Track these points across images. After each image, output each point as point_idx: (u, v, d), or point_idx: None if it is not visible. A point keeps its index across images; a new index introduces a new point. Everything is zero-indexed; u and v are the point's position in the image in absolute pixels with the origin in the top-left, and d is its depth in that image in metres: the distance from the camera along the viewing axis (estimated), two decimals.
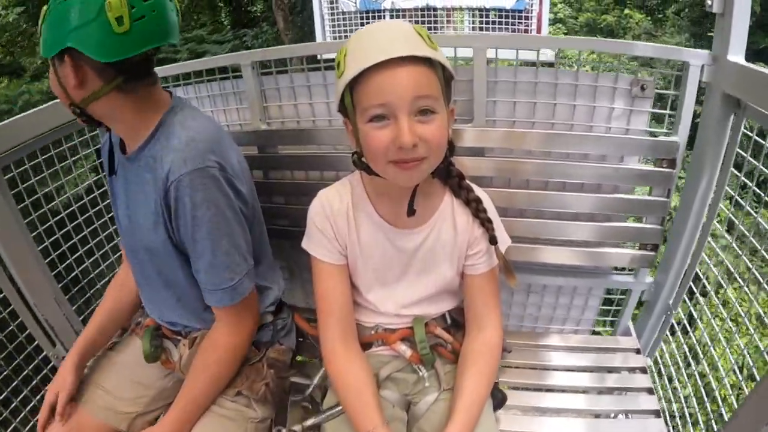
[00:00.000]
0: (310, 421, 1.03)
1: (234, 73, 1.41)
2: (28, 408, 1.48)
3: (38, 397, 1.50)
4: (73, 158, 1.57)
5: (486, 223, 0.95)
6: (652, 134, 1.23)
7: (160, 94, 1.01)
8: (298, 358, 1.33)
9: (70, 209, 1.57)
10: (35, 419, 1.23)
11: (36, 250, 1.42)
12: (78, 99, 0.94)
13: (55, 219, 1.54)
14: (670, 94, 1.18)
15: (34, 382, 1.49)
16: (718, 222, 1.24)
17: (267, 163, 1.46)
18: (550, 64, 1.24)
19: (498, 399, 1.07)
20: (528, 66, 1.20)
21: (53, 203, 1.54)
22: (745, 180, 1.11)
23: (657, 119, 1.25)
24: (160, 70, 1.55)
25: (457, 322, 1.08)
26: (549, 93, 1.20)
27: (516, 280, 0.95)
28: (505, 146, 1.23)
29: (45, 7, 0.91)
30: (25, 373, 1.47)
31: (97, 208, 1.62)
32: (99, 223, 1.63)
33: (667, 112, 1.20)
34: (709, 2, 1.06)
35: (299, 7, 6.00)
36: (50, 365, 1.50)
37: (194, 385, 1.06)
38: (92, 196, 1.63)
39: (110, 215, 1.65)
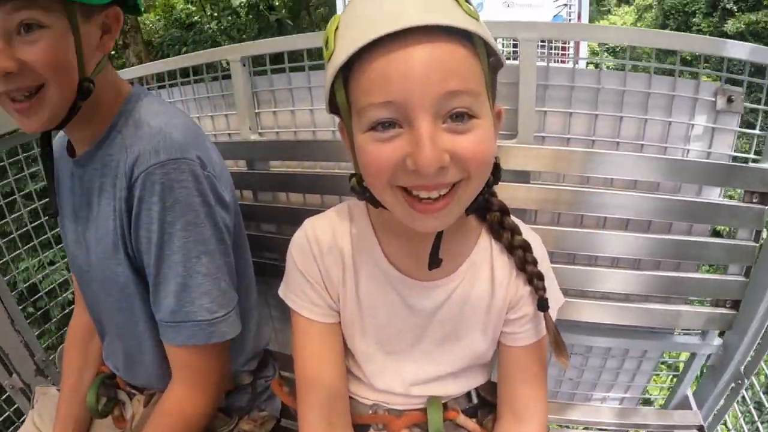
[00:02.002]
0: None
1: (224, 72, 1.23)
2: None
3: None
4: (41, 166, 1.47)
5: (535, 280, 0.72)
6: (737, 159, 1.02)
7: (119, 78, 0.85)
8: (283, 423, 1.11)
9: (38, 222, 1.49)
10: None
11: None
12: (90, 72, 0.75)
13: (19, 232, 1.45)
14: (762, 108, 0.98)
15: None
16: None
17: (257, 182, 1.27)
18: None
19: None
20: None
21: (17, 214, 1.45)
22: None
23: (742, 141, 1.05)
24: (143, 68, 1.40)
25: (486, 401, 0.85)
26: (614, 103, 0.99)
27: (568, 362, 0.73)
28: (555, 170, 1.02)
29: None
30: None
31: None
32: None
33: (758, 132, 0.99)
34: None
35: None
36: (5, 395, 1.44)
37: None
38: None
39: None
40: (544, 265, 0.74)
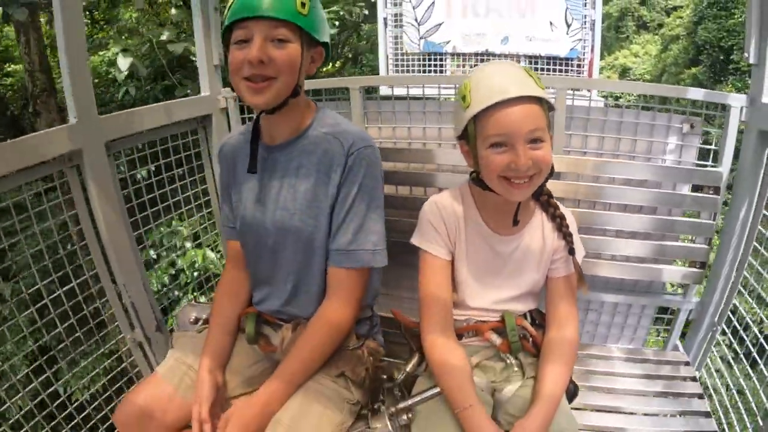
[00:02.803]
0: (403, 404, 1.17)
1: (340, 96, 1.78)
2: (98, 386, 1.68)
3: (108, 377, 1.71)
4: (176, 156, 1.85)
5: (567, 237, 1.21)
6: (700, 165, 1.56)
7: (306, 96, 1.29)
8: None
9: (166, 204, 1.84)
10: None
11: (132, 235, 1.62)
12: (301, 81, 1.17)
13: (152, 210, 1.79)
14: (715, 131, 1.53)
15: (106, 363, 1.70)
16: (757, 242, 1.53)
17: None
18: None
19: (571, 391, 1.25)
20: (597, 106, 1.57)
21: (152, 194, 1.78)
22: None
23: (704, 152, 1.59)
24: None
25: (536, 321, 1.28)
26: (615, 129, 1.56)
27: (586, 286, 1.23)
28: (576, 172, 1.58)
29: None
30: (100, 352, 1.66)
31: (190, 206, 1.96)
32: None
33: (713, 147, 1.54)
34: (747, 55, 1.43)
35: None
36: (126, 348, 1.67)
37: (298, 355, 1.19)
38: (187, 193, 1.94)
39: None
40: (572, 229, 1.25)
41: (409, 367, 1.28)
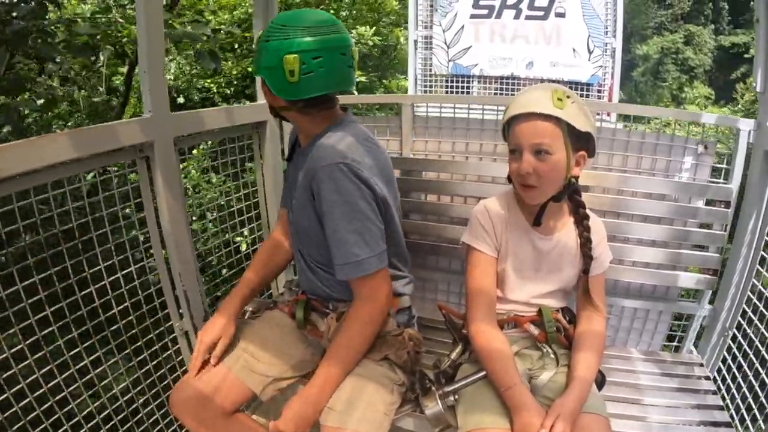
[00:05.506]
0: (452, 386, 1.32)
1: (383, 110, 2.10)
2: (143, 371, 1.75)
3: (154, 362, 1.77)
4: (232, 157, 2.04)
5: (585, 246, 1.38)
6: (713, 182, 1.86)
7: (334, 112, 1.40)
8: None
9: (216, 201, 2.05)
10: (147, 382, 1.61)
11: (189, 227, 1.74)
12: (275, 106, 1.39)
13: (208, 205, 2.01)
14: (726, 152, 1.82)
15: (153, 348, 1.78)
16: (765, 251, 1.78)
17: (407, 186, 2.06)
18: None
19: (599, 380, 1.41)
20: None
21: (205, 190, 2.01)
22: None
23: (716, 170, 1.88)
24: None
25: (566, 317, 1.46)
26: (637, 149, 1.88)
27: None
28: (603, 186, 1.88)
29: (259, 34, 1.30)
30: (147, 338, 1.75)
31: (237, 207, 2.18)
32: (241, 218, 2.15)
33: (724, 166, 1.83)
34: (755, 84, 1.71)
35: None
36: (172, 336, 1.77)
37: (337, 348, 1.33)
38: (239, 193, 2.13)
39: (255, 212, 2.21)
40: (600, 235, 1.43)
41: (453, 355, 1.45)
